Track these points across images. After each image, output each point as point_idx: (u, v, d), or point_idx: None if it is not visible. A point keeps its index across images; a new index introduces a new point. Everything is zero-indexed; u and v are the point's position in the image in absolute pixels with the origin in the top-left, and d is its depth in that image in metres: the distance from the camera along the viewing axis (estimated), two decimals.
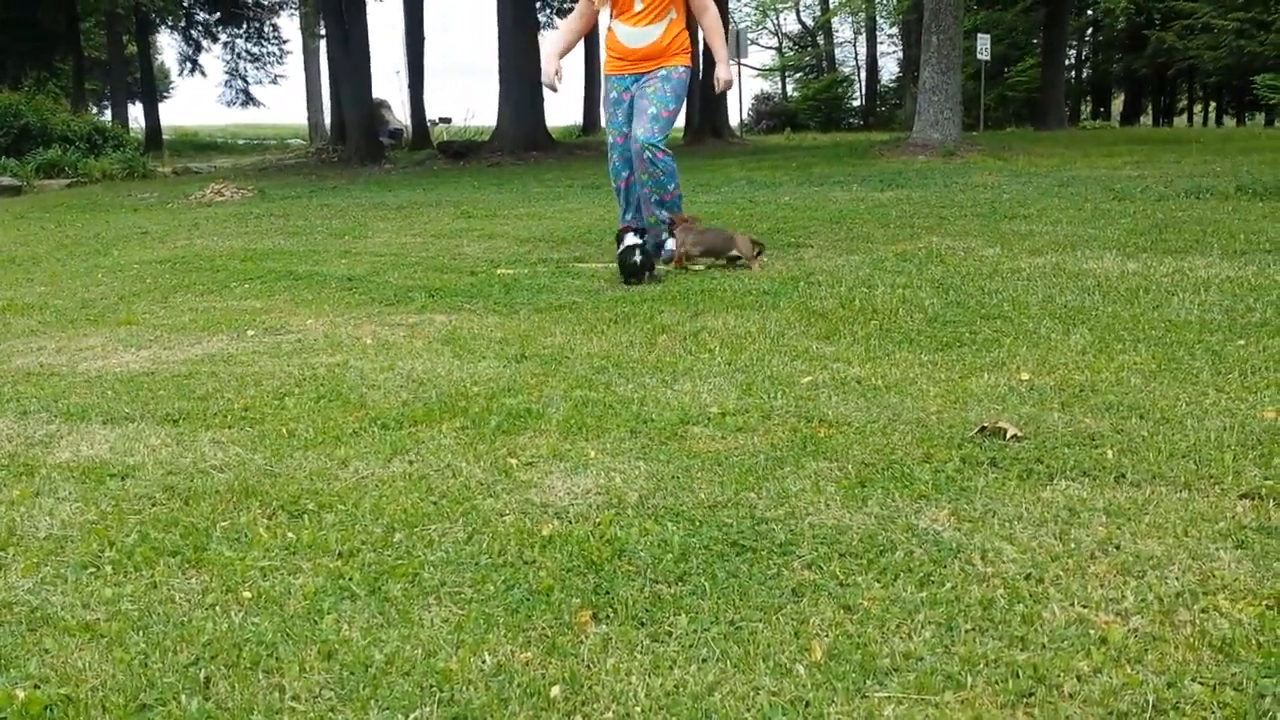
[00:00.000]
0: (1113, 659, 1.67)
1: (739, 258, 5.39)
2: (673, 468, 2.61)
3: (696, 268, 5.41)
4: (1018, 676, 1.63)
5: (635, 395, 3.25)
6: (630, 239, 5.20)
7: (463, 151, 18.39)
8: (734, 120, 26.55)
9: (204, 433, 3.08)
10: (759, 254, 5.40)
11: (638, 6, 5.41)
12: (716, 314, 4.37)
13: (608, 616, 1.86)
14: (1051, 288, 4.55)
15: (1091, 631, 1.75)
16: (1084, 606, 1.83)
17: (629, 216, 5.76)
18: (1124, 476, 2.43)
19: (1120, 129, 23.48)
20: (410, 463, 2.75)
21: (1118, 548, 2.06)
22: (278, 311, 4.78)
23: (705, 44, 5.73)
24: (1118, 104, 37.88)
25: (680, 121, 23.25)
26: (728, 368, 3.56)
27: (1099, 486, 2.37)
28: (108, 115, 38.22)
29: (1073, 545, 2.07)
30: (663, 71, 5.41)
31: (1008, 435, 2.70)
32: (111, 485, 2.67)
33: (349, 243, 7.12)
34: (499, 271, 5.57)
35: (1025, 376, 3.28)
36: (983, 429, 2.74)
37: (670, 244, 5.62)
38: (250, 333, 4.38)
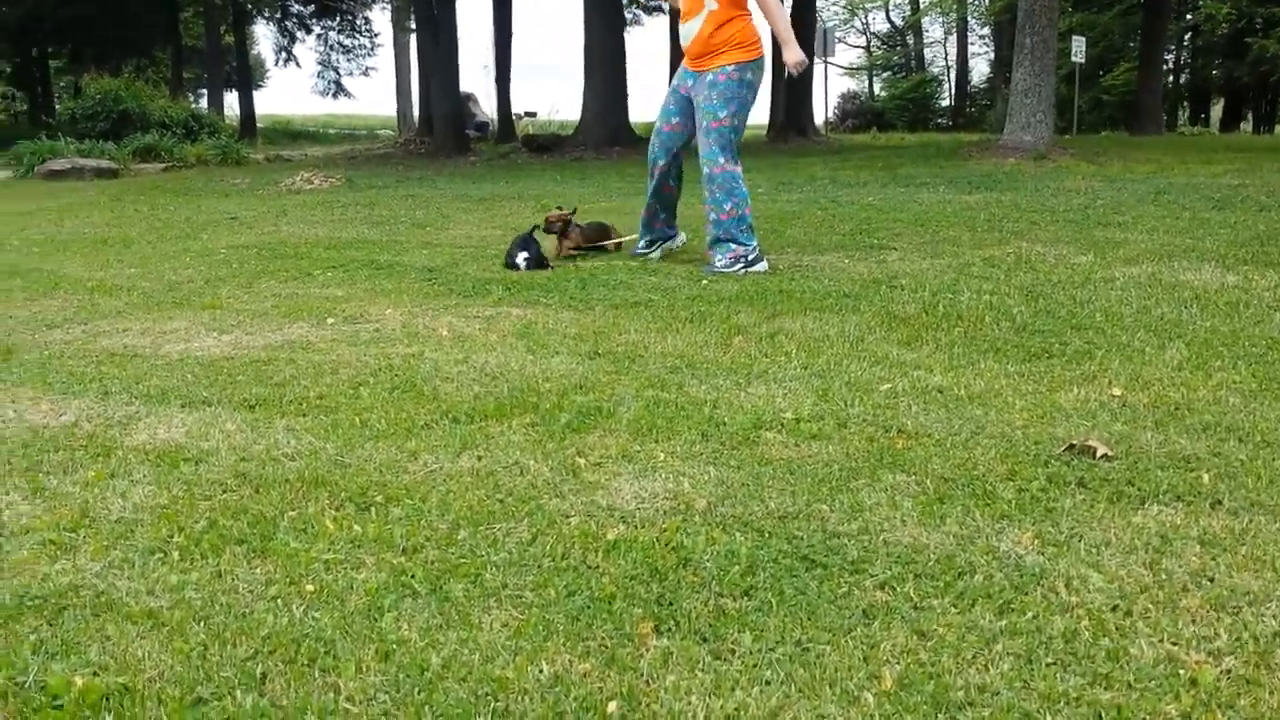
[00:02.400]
0: (1203, 703, 1.57)
1: (619, 245, 5.95)
2: (743, 474, 2.54)
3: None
4: (1100, 718, 1.53)
5: (708, 397, 3.19)
6: (520, 258, 5.51)
7: (547, 146, 18.45)
8: (819, 119, 26.24)
9: (279, 419, 3.09)
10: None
11: (680, 3, 5.37)
12: (794, 316, 4.29)
13: (670, 629, 1.81)
14: (1146, 299, 4.38)
15: (1181, 672, 1.64)
16: (1174, 644, 1.73)
17: (650, 201, 5.82)
18: (1220, 503, 2.30)
19: (1219, 136, 22.66)
20: (479, 458, 2.73)
21: (1211, 580, 1.94)
22: (358, 300, 4.81)
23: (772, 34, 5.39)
24: (1217, 110, 36.60)
25: (764, 118, 22.95)
26: (804, 371, 3.48)
27: (1193, 513, 2.25)
28: (204, 103, 39.27)
29: (1163, 576, 1.95)
30: (709, 77, 5.22)
31: (1097, 454, 2.58)
32: (185, 470, 2.69)
33: (430, 234, 7.16)
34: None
35: (1117, 392, 3.14)
36: (1071, 446, 2.62)
37: (681, 237, 5.98)
38: (330, 321, 4.41)
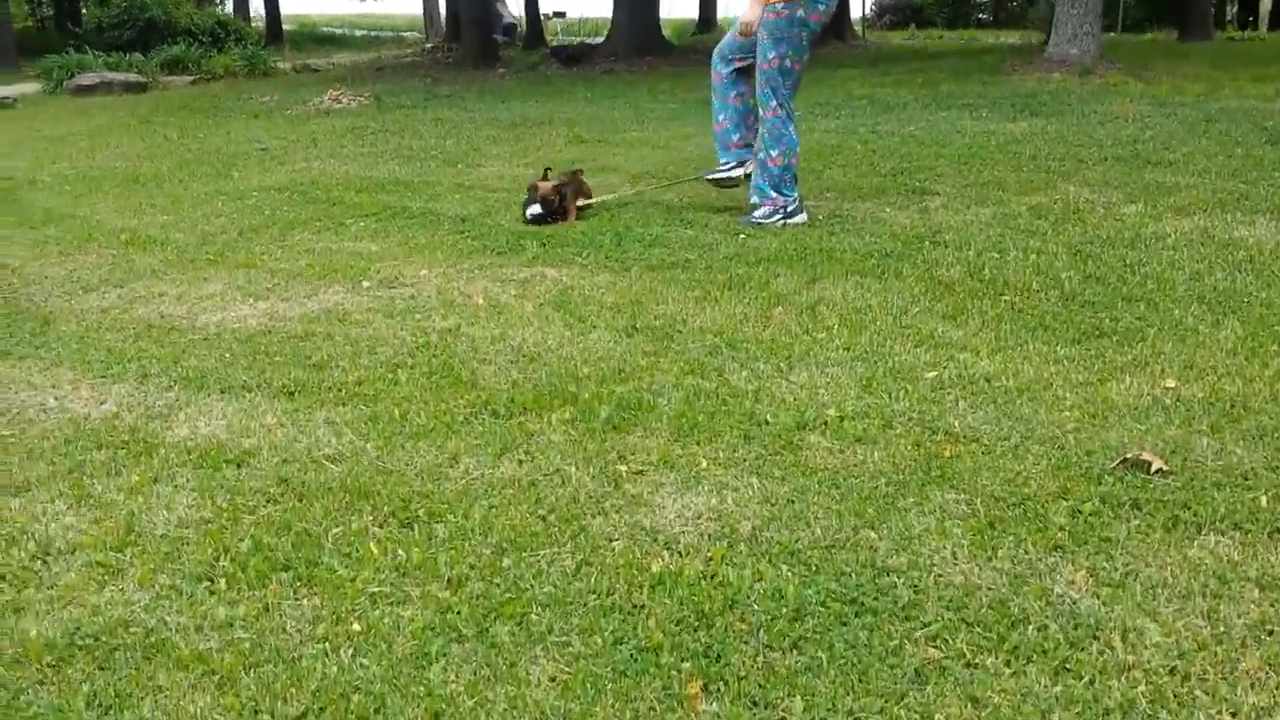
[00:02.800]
0: None
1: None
2: (788, 488, 2.51)
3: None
4: None
5: (749, 387, 3.14)
6: (533, 210, 5.32)
7: (576, 56, 18.02)
8: (855, 15, 25.46)
9: (319, 410, 3.08)
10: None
11: None
12: (835, 280, 4.20)
13: (718, 690, 1.80)
14: (1198, 261, 4.25)
15: None
16: (1232, 715, 1.70)
17: (718, 115, 5.44)
18: (1279, 531, 2.24)
19: (1269, 39, 21.78)
20: (519, 463, 2.71)
21: (1270, 634, 1.90)
22: (391, 258, 4.76)
23: None
24: (1267, 3, 35.16)
25: None
26: (846, 354, 3.41)
27: (1251, 545, 2.20)
28: (230, 6, 38.63)
29: (1222, 628, 1.91)
30: (764, 14, 4.92)
31: (1152, 469, 2.52)
32: (228, 474, 2.69)
33: (462, 172, 7.06)
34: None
35: (1170, 384, 3.06)
36: (1124, 460, 2.56)
37: (739, 169, 5.41)
38: (365, 284, 4.37)
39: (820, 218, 5.27)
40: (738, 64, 5.26)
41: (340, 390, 3.23)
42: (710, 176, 5.54)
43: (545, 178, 5.46)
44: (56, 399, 3.22)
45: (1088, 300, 3.85)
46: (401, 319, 3.91)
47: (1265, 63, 13.17)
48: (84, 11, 33.39)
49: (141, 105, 14.02)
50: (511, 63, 18.34)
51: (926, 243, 4.71)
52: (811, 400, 3.03)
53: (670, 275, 4.36)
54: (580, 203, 5.48)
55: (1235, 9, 34.56)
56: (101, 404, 3.18)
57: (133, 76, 17.85)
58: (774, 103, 5.05)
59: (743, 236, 4.95)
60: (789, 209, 5.15)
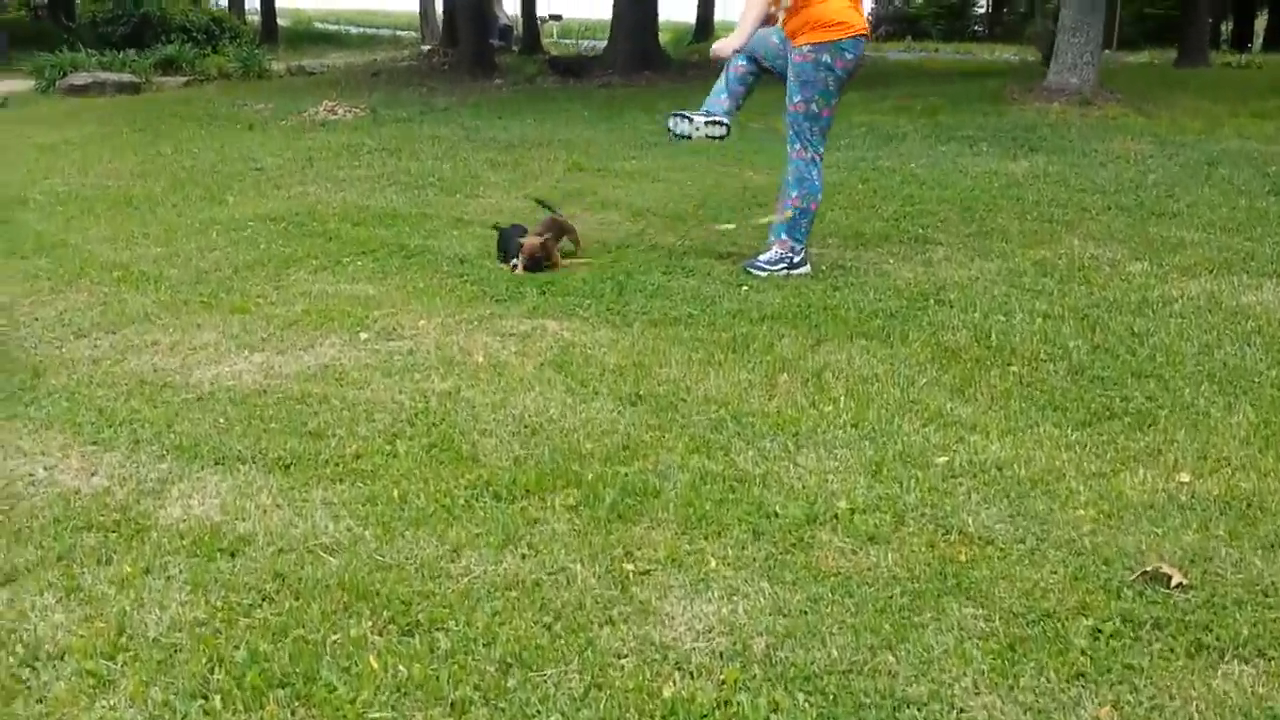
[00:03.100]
0: None
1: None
2: (800, 596, 2.45)
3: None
4: None
5: (756, 470, 3.08)
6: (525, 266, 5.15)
7: (573, 69, 17.93)
8: None
9: (315, 488, 3.01)
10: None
11: None
12: (840, 344, 4.14)
13: None
14: (1207, 332, 4.21)
15: None
16: None
17: (715, 99, 5.18)
18: None
19: (1266, 66, 21.79)
20: (523, 557, 2.64)
21: None
22: (390, 305, 4.68)
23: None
24: (1261, 21, 35.27)
25: None
26: (854, 431, 3.36)
27: (1275, 674, 2.15)
28: (224, 1, 38.37)
29: None
30: (792, 54, 4.87)
31: (1172, 583, 2.47)
32: (222, 565, 2.61)
33: (460, 203, 6.98)
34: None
35: (1185, 478, 3.01)
36: (1144, 573, 2.51)
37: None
38: (363, 335, 4.29)
39: (824, 268, 5.21)
40: (756, 60, 5.10)
41: (337, 464, 3.15)
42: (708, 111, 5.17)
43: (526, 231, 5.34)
44: (46, 469, 3.14)
45: (1097, 375, 3.80)
46: (400, 378, 3.83)
47: (1263, 95, 13.18)
48: (78, 5, 33.18)
49: (135, 109, 13.90)
50: (508, 72, 18.25)
51: (931, 301, 4.65)
52: (821, 489, 2.97)
53: (673, 333, 4.30)
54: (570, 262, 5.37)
55: (1231, 26, 34.71)
56: (92, 476, 3.10)
57: (126, 77, 17.71)
58: (799, 145, 5.00)
59: (746, 289, 4.89)
60: (795, 259, 5.09)
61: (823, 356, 4.02)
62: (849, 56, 4.85)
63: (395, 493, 2.97)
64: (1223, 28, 34.84)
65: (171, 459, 3.20)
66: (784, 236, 5.09)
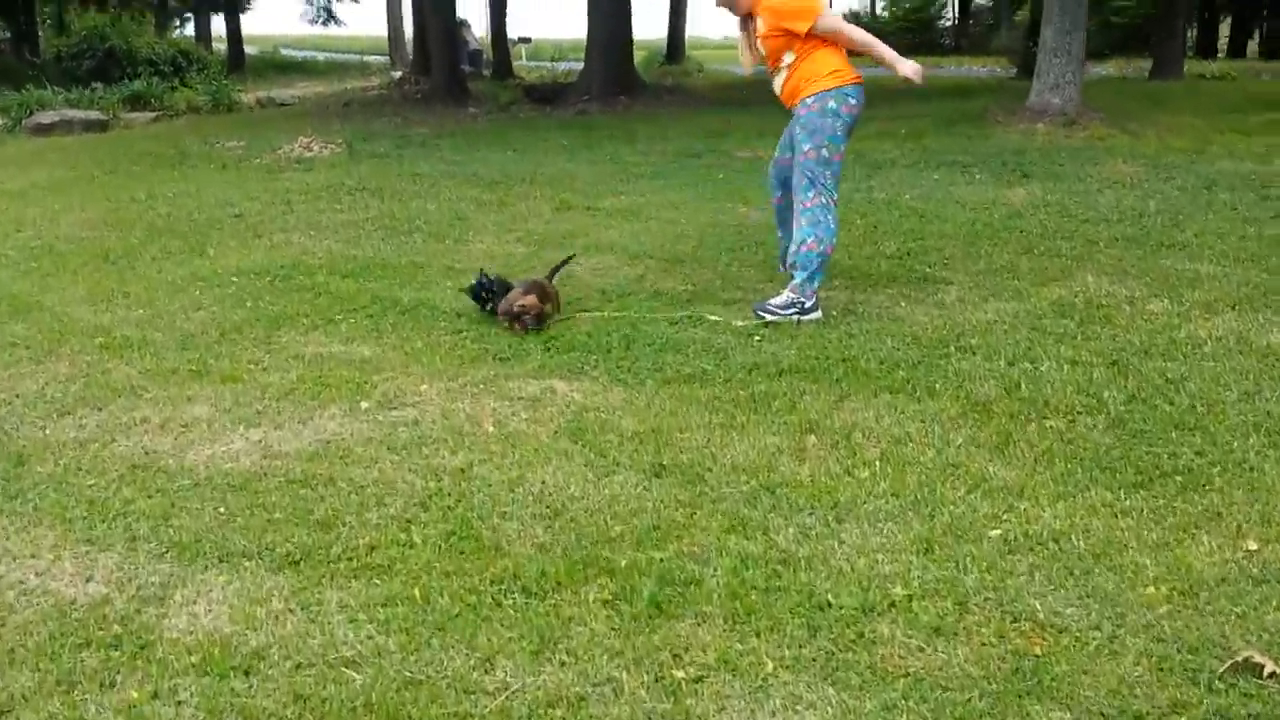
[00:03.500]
0: None
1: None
2: (872, 705, 2.26)
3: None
4: None
5: (800, 551, 2.90)
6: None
7: (548, 97, 17.79)
8: None
9: (329, 587, 2.80)
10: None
11: (767, 62, 5.09)
12: (865, 400, 3.97)
13: None
14: (1244, 376, 4.07)
15: None
16: None
17: (781, 237, 5.50)
18: None
19: (1237, 75, 21.92)
20: (562, 665, 2.44)
21: None
22: (389, 368, 4.47)
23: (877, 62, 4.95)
24: (1224, 27, 35.70)
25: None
26: (895, 501, 3.18)
27: None
28: (191, 29, 37.98)
29: None
30: (797, 113, 4.98)
31: (1265, 672, 2.30)
32: (236, 686, 2.40)
33: (450, 249, 6.77)
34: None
35: (1253, 546, 2.86)
36: (1234, 664, 2.34)
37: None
38: (364, 405, 4.08)
39: (834, 313, 5.05)
40: (783, 164, 5.22)
41: (350, 559, 2.95)
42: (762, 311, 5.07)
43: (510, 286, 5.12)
44: (37, 575, 2.91)
45: (1138, 428, 3.64)
46: (407, 454, 3.62)
47: (1242, 109, 13.23)
48: (41, 34, 32.78)
49: (103, 149, 13.57)
50: (483, 100, 18.05)
51: (952, 348, 4.49)
52: (873, 572, 2.79)
53: (688, 391, 4.11)
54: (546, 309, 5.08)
55: (1195, 33, 35.10)
56: (88, 581, 2.87)
57: (93, 114, 17.37)
58: (813, 192, 4.94)
59: (758, 339, 4.71)
60: (806, 304, 4.94)
61: (849, 414, 3.85)
62: (853, 102, 4.91)
63: (416, 591, 2.76)
64: (1188, 34, 35.25)
65: (172, 558, 2.98)
66: (797, 281, 4.96)
